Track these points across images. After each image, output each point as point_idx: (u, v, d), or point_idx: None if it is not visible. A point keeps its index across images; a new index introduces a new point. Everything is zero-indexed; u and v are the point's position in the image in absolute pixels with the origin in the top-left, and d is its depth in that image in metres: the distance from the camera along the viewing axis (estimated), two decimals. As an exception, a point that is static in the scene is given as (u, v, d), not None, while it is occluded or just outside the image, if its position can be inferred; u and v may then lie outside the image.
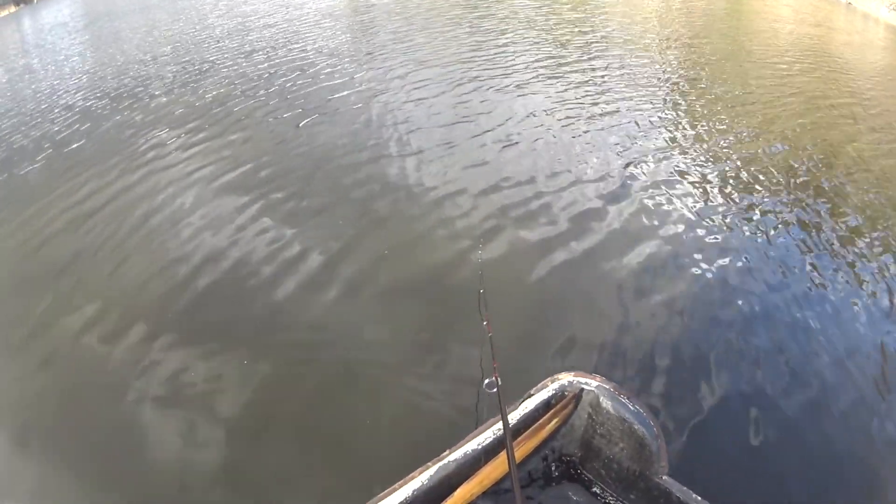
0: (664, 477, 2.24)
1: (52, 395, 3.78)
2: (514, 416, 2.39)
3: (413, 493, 2.15)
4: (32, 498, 3.17)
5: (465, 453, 2.28)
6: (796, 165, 6.08)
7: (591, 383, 2.44)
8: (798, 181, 5.78)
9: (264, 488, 3.01)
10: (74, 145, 7.66)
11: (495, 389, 2.38)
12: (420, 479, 2.19)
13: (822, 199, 5.44)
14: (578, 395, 2.46)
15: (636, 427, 2.28)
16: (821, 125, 7.23)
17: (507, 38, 10.99)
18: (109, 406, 3.60)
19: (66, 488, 3.17)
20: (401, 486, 2.17)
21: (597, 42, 10.96)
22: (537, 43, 10.69)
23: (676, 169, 5.88)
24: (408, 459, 2.86)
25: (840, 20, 14.21)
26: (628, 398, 2.35)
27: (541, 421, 2.42)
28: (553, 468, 2.55)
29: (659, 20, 13.19)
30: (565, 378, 2.48)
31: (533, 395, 2.47)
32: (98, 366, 3.92)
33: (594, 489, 2.48)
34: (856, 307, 4.12)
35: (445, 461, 2.25)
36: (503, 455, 2.30)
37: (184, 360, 3.88)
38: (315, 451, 3.21)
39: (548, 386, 2.48)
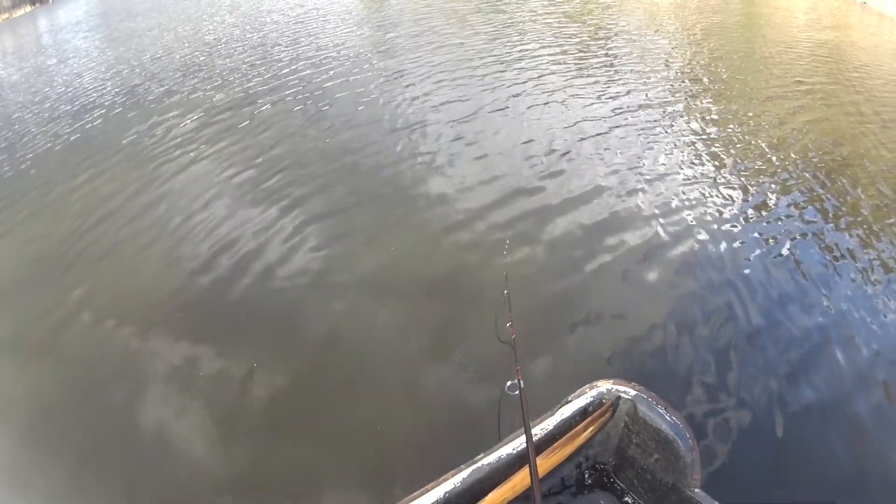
0: (696, 490, 2.23)
1: (63, 391, 3.83)
2: (550, 422, 2.42)
3: (445, 496, 2.18)
4: (42, 494, 3.22)
5: (498, 457, 2.31)
6: (816, 161, 6.01)
7: (630, 392, 2.44)
8: (818, 176, 5.73)
9: (279, 487, 3.03)
10: (86, 143, 7.76)
11: (517, 392, 2.40)
12: (453, 482, 2.22)
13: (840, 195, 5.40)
14: (616, 404, 2.46)
15: (672, 438, 2.28)
16: (826, 120, 7.13)
17: (522, 35, 10.95)
18: (121, 403, 3.64)
19: (75, 486, 3.22)
20: (433, 488, 2.20)
21: (613, 40, 10.93)
22: (551, 41, 10.61)
23: (696, 170, 5.84)
24: (428, 460, 2.91)
25: (854, 19, 14.09)
26: (666, 408, 2.35)
27: (577, 428, 2.43)
28: (586, 475, 2.57)
29: (671, 16, 13.11)
30: (604, 385, 2.48)
31: (571, 401, 2.47)
32: (109, 362, 3.97)
33: (626, 498, 2.49)
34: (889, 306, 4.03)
35: (479, 465, 2.27)
36: (537, 461, 2.29)
37: (197, 358, 3.91)
38: (331, 452, 3.21)
39: (586, 393, 2.48)
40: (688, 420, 2.36)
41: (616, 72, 8.74)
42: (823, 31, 12.19)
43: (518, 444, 2.34)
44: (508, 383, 2.53)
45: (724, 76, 8.46)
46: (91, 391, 3.82)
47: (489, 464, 2.28)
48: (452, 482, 2.22)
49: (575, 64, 9.25)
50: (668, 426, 2.30)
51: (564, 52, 9.76)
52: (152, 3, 19.13)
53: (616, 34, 11.02)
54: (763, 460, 2.98)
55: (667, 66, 9.03)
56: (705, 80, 8.41)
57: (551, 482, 2.49)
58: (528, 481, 2.29)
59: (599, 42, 10.44)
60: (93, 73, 11.37)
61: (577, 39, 10.66)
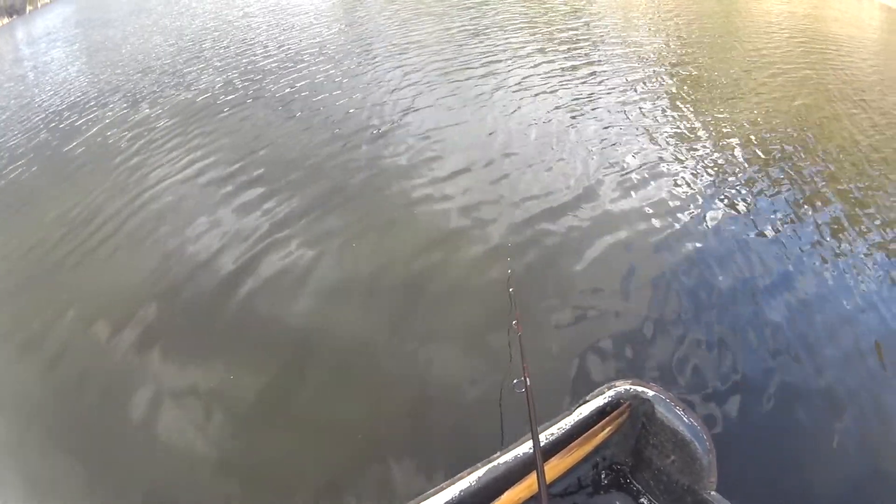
0: (712, 493, 2.22)
1: (54, 392, 3.82)
2: (567, 422, 2.43)
3: (460, 494, 2.19)
4: (37, 494, 3.22)
5: (514, 456, 2.31)
6: (792, 147, 6.11)
7: (648, 393, 2.43)
8: (796, 162, 5.80)
9: (281, 488, 3.01)
10: (68, 152, 7.66)
11: (523, 390, 2.39)
12: (468, 480, 2.23)
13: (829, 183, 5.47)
14: (633, 404, 2.46)
15: (689, 440, 2.28)
16: (812, 106, 7.21)
17: (504, 31, 10.92)
18: (113, 404, 3.62)
19: (69, 485, 3.21)
20: (448, 486, 2.21)
21: (589, 27, 10.97)
22: (530, 38, 10.56)
23: (688, 161, 5.83)
24: (431, 460, 2.94)
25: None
26: (683, 410, 2.35)
27: (594, 428, 2.43)
28: (603, 476, 2.58)
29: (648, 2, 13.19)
30: (622, 386, 2.48)
31: (588, 400, 2.48)
32: (101, 364, 3.95)
33: (642, 500, 2.49)
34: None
35: (495, 463, 2.28)
36: (554, 461, 2.34)
37: (186, 358, 3.88)
38: (329, 453, 3.19)
39: (604, 393, 2.48)
40: (705, 422, 2.35)
41: (596, 59, 8.80)
42: (814, 17, 12.30)
43: (534, 443, 2.35)
44: (515, 381, 2.53)
45: (730, 73, 8.45)
46: (82, 390, 3.81)
47: (505, 462, 2.29)
48: (468, 480, 2.23)
49: (554, 52, 9.28)
50: (686, 428, 2.30)
51: (547, 41, 9.79)
52: (126, 10, 18.88)
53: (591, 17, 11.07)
54: (781, 464, 2.96)
55: (680, 64, 8.95)
56: (729, 73, 8.38)
57: (568, 482, 2.50)
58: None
59: (572, 27, 10.49)
60: (70, 81, 11.23)
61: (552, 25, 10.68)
